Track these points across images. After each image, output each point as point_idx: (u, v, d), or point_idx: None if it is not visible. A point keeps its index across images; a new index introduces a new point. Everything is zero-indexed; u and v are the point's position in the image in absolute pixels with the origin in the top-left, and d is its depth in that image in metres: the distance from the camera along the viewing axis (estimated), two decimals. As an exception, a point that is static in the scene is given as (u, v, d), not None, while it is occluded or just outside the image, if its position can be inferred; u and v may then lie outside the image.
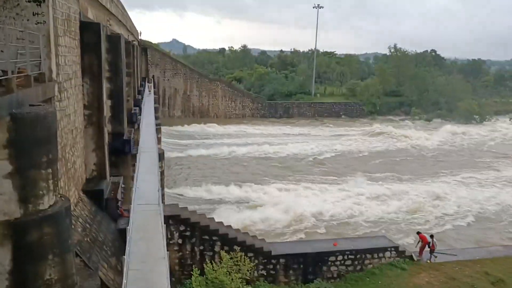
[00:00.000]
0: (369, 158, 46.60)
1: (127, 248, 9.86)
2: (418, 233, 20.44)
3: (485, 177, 40.07)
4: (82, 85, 13.27)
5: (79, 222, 11.25)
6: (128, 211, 13.00)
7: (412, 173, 40.31)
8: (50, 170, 7.33)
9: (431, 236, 19.71)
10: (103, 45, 13.87)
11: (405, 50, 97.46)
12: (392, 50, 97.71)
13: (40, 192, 7.15)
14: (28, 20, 8.89)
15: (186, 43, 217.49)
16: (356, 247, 17.92)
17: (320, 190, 33.66)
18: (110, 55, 20.97)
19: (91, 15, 16.40)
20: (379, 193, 32.71)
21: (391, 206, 30.16)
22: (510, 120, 77.94)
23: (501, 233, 27.39)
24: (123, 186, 15.69)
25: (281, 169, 40.86)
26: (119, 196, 14.14)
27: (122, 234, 12.65)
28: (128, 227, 10.86)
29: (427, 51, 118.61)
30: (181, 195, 32.12)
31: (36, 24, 8.95)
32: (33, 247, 6.97)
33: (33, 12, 8.92)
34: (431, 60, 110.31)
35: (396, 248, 18.53)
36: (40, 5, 8.98)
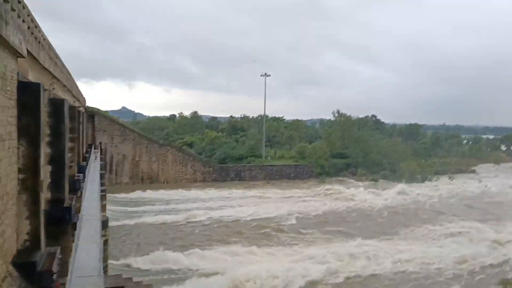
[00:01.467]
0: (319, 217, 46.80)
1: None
2: None
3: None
4: (18, 148, 12.39)
5: (5, 300, 9.92)
6: (65, 285, 11.74)
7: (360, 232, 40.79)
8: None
9: None
10: (43, 107, 13.25)
11: (348, 114, 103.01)
12: (336, 115, 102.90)
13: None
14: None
15: (136, 111, 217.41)
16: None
17: (273, 253, 32.85)
18: (53, 119, 20.19)
19: (32, 77, 15.87)
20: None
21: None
22: (449, 178, 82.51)
23: None
24: (60, 257, 14.30)
25: (230, 234, 39.79)
26: (54, 269, 12.78)
27: (56, 312, 11.26)
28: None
29: (368, 116, 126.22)
30: (129, 265, 30.11)
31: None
32: None
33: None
34: (372, 124, 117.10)
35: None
36: (-30, 61, 8.47)
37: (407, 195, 61.98)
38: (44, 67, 17.39)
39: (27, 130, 12.95)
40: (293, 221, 44.66)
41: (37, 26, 14.71)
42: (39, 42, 15.37)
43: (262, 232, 40.23)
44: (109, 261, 26.34)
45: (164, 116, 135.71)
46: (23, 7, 12.29)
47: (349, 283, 28.02)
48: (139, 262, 30.46)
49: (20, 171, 12.86)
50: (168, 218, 44.45)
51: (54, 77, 21.78)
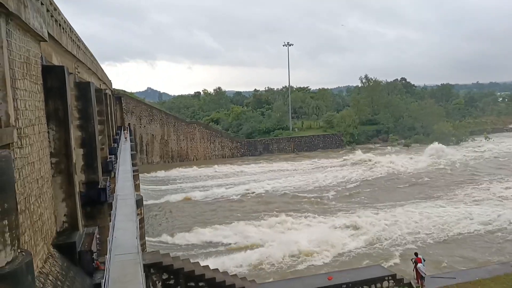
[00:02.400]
0: (356, 187, 46.28)
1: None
2: (416, 255, 19.69)
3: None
4: (48, 132, 12.50)
5: (49, 279, 10.18)
6: (105, 263, 11.97)
7: (404, 198, 40.14)
8: (6, 222, 6.50)
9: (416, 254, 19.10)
10: (69, 89, 13.26)
11: (376, 79, 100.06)
12: (364, 81, 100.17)
13: (-6, 247, 6.28)
14: (-20, 63, 8.26)
15: (161, 91, 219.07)
16: (352, 279, 17.08)
17: (312, 223, 32.88)
18: (80, 102, 20.41)
19: (56, 61, 15.90)
20: (371, 221, 32.16)
21: (384, 232, 29.57)
22: (485, 139, 79.71)
23: (492, 250, 26.95)
24: (98, 236, 14.63)
25: (268, 205, 39.91)
26: (94, 248, 13.07)
27: (98, 289, 11.55)
28: (103, 280, 9.87)
29: (397, 79, 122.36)
30: (165, 242, 30.76)
31: (-11, 67, 8.32)
32: (-13, 312, 6.05)
33: (-15, 55, 8.31)
34: (402, 87, 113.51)
35: (393, 276, 17.76)
36: (-7, 46, 8.38)
37: (441, 158, 60.24)
38: (67, 51, 17.38)
39: (56, 114, 13.02)
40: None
41: (56, 9, 14.56)
42: (60, 25, 15.27)
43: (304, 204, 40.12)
44: (147, 238, 26.98)
45: (189, 94, 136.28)
46: (40, -11, 12.11)
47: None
48: (180, 237, 31.05)
49: (52, 154, 13.03)
50: (201, 194, 44.96)
51: (78, 60, 21.83)
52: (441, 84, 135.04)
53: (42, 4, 12.14)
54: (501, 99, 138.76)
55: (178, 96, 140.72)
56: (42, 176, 11.34)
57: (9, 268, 6.42)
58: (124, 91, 74.78)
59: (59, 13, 15.22)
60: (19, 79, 9.74)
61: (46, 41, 12.23)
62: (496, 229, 30.48)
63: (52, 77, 12.40)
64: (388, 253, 26.68)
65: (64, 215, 13.01)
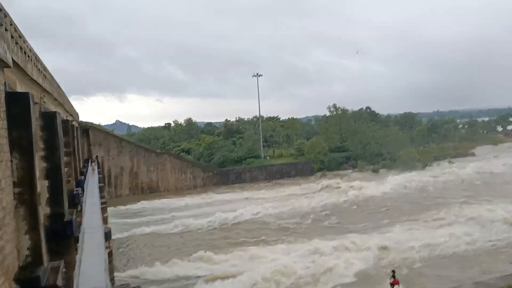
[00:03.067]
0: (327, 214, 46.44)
1: None
2: (393, 275, 19.63)
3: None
4: (11, 161, 11.96)
5: (9, 318, 9.50)
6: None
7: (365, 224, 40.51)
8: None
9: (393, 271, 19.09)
10: (33, 117, 12.83)
11: (344, 108, 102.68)
12: (332, 109, 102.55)
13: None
14: None
15: (130, 123, 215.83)
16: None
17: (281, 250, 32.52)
18: (46, 132, 19.77)
19: (21, 90, 15.44)
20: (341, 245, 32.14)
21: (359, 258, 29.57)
22: (449, 163, 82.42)
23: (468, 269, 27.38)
24: (64, 270, 13.87)
25: (236, 235, 39.34)
26: (59, 283, 12.34)
27: (64, 327, 10.84)
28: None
29: (362, 108, 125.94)
30: (135, 277, 29.59)
31: None
32: None
33: None
34: (367, 116, 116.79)
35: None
36: (-48, 70, 8.06)
37: (410, 183, 61.68)
38: (33, 79, 16.97)
39: (20, 143, 12.51)
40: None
41: (21, 36, 14.29)
42: (25, 52, 14.95)
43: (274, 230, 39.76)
44: (115, 273, 25.89)
45: (159, 126, 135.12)
46: (5, 15, 11.88)
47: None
48: (151, 271, 29.99)
49: (15, 184, 12.44)
50: (171, 226, 43.94)
51: (44, 90, 21.34)
52: (404, 112, 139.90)
53: (6, 30, 11.88)
54: (461, 125, 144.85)
55: (148, 128, 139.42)
56: (4, 207, 10.76)
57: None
58: (92, 123, 73.37)
59: (24, 41, 14.93)
60: (-20, 105, 9.36)
61: (10, 67, 11.91)
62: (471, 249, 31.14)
63: (16, 104, 11.99)
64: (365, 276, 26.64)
65: (27, 248, 12.28)
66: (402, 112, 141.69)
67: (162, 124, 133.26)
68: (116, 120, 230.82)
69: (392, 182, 61.25)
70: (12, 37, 12.71)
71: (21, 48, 14.16)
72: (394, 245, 32.06)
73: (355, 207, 48.95)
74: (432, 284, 24.89)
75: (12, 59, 12.50)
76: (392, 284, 18.86)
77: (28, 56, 15.69)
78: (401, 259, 29.62)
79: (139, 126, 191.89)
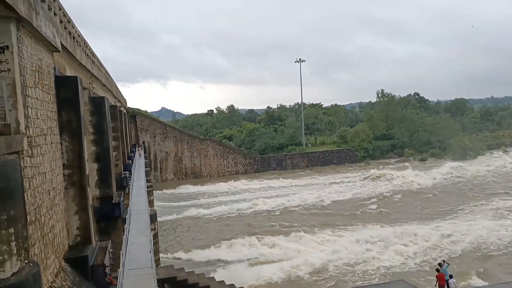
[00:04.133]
0: (373, 201, 45.32)
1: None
2: (437, 269, 18.78)
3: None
4: (61, 143, 12.29)
5: (60, 295, 9.81)
6: (118, 278, 11.55)
7: (421, 214, 39.13)
8: (12, 230, 6.18)
9: (440, 265, 18.22)
10: (82, 101, 13.11)
11: (391, 94, 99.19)
12: (380, 95, 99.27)
13: (0, 257, 5.95)
14: (-10, 69, 8.09)
15: (175, 110, 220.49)
16: (374, 295, 16.32)
17: (330, 239, 32.09)
18: (95, 117, 20.36)
19: (70, 74, 15.81)
20: (391, 236, 31.28)
21: (407, 248, 28.67)
22: (504, 152, 77.95)
23: None
24: (111, 251, 14.25)
25: (285, 222, 39.12)
26: (107, 262, 12.68)
27: (111, 305, 11.13)
28: (116, 295, 9.45)
29: (410, 94, 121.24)
30: (179, 258, 30.19)
31: None
32: (-9, 326, 5.68)
33: (-4, 60, 8.15)
34: (415, 102, 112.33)
35: (417, 292, 16.92)
36: (3, 52, 8.22)
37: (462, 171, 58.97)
38: (81, 64, 17.37)
39: (69, 125, 12.83)
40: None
41: (70, 21, 14.56)
42: (73, 38, 15.26)
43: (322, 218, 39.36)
44: (161, 255, 26.52)
45: (202, 113, 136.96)
46: (54, 0, 12.09)
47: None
48: (195, 254, 30.52)
49: (65, 166, 12.80)
50: (216, 210, 44.52)
51: (93, 75, 21.87)
52: (455, 98, 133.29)
53: (55, 14, 12.10)
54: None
55: (192, 115, 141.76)
56: (54, 188, 11.08)
57: (14, 279, 6.07)
58: (139, 109, 75.40)
59: (73, 26, 15.23)
60: (31, 87, 9.56)
61: (59, 51, 12.15)
62: None
63: (65, 88, 12.28)
64: (413, 268, 25.77)
65: (77, 228, 12.71)
66: (453, 98, 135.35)
67: (205, 111, 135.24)
68: (162, 107, 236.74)
69: (442, 171, 58.74)
70: (61, 21, 12.95)
71: (70, 33, 14.43)
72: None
73: (406, 197, 47.38)
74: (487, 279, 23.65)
75: (61, 44, 12.76)
76: (437, 279, 17.96)
77: (77, 42, 16.02)
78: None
79: (184, 113, 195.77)
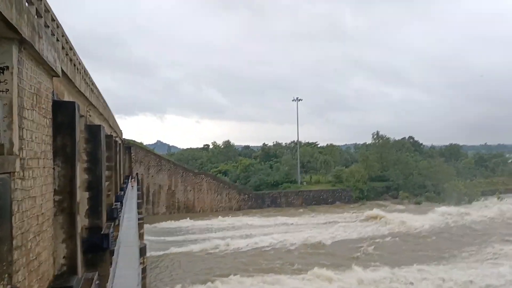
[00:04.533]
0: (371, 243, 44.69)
1: None
2: None
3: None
4: (53, 168, 12.06)
5: (39, 327, 9.30)
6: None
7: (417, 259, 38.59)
8: (-5, 252, 5.89)
9: None
10: (78, 125, 13.01)
11: (386, 136, 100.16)
12: (375, 137, 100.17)
13: (-21, 281, 5.64)
14: (-11, 88, 8.03)
15: (170, 144, 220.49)
16: None
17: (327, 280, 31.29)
18: (90, 145, 20.19)
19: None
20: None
21: None
22: (498, 199, 77.82)
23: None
24: (97, 282, 13.71)
25: (273, 261, 38.30)
26: (91, 294, 12.16)
27: None
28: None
29: (405, 138, 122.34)
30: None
31: (-3, 92, 8.09)
32: None
33: (-5, 80, 8.11)
34: (410, 146, 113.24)
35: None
36: (3, 72, 8.19)
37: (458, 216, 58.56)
38: (80, 92, 17.41)
39: (63, 150, 12.64)
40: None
41: (72, 48, 14.73)
42: (74, 65, 15.37)
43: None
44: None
45: (198, 148, 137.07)
46: (57, 26, 12.24)
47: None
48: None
49: (56, 192, 12.51)
50: (207, 246, 43.59)
51: (91, 103, 21.92)
52: (450, 144, 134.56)
53: (57, 40, 12.22)
54: (510, 160, 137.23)
55: (187, 148, 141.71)
56: (43, 213, 10.77)
57: (-6, 305, 5.74)
58: (134, 141, 75.31)
59: (74, 53, 15.39)
60: (28, 109, 9.48)
61: (59, 76, 12.16)
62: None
63: (63, 113, 12.19)
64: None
65: (63, 257, 12.23)
66: (446, 144, 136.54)
67: (201, 145, 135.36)
68: (157, 140, 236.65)
69: (438, 215, 58.37)
70: (62, 48, 13.08)
71: (70, 60, 14.55)
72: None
73: (399, 239, 46.75)
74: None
75: (62, 70, 12.81)
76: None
77: (77, 69, 16.13)
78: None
79: (179, 147, 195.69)
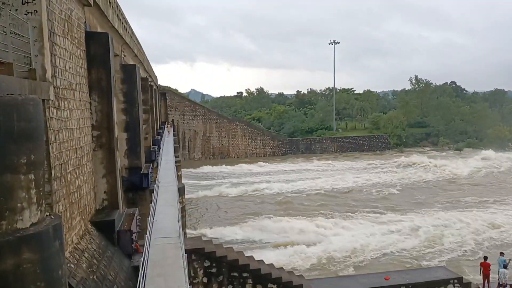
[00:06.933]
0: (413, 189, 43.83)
1: (140, 286, 7.86)
2: (485, 257, 17.58)
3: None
4: (90, 103, 11.76)
5: (84, 256, 9.37)
6: (144, 245, 11.06)
7: (466, 201, 37.67)
8: (32, 176, 5.57)
9: (483, 259, 16.92)
10: (112, 57, 12.52)
11: (427, 80, 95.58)
12: (414, 82, 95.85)
13: (18, 204, 5.37)
14: (16, 10, 7.49)
15: (204, 92, 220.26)
16: (412, 280, 15.31)
17: (367, 222, 31.13)
18: (125, 85, 19.91)
19: (102, 35, 15.22)
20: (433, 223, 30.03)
21: (446, 237, 27.42)
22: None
23: None
24: (138, 218, 13.81)
25: (319, 204, 38.24)
26: (133, 228, 12.23)
27: (137, 273, 10.65)
28: (142, 262, 8.90)
29: (446, 83, 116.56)
30: (205, 235, 29.90)
31: (25, 14, 7.54)
32: (8, 279, 5.12)
33: (22, 1, 7.54)
34: (451, 91, 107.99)
35: (459, 279, 15.77)
36: (30, -9, 7.59)
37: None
38: (114, 28, 16.69)
39: (98, 84, 12.25)
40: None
41: (102, -22, 13.94)
42: (106, -3, 14.67)
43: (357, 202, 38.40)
44: (187, 231, 26.23)
45: (231, 96, 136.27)
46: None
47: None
48: (221, 231, 30.19)
49: (93, 127, 12.30)
50: (245, 190, 44.11)
51: (125, 42, 21.34)
52: (494, 89, 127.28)
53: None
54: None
55: (221, 96, 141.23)
56: (81, 147, 10.60)
57: (34, 230, 5.49)
58: (169, 87, 75.39)
59: (106, -16, 14.59)
60: (59, 36, 8.96)
61: (91, 5, 11.53)
62: None
63: (96, 44, 11.69)
64: (453, 256, 24.60)
65: (104, 192, 12.27)
66: (490, 89, 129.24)
67: (234, 94, 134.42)
68: (191, 89, 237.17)
69: (480, 161, 56.36)
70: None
71: (102, -10, 13.83)
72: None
73: (443, 185, 45.67)
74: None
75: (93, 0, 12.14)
76: (481, 267, 16.87)
77: (109, 2, 15.43)
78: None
79: (212, 95, 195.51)
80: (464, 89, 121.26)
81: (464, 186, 44.40)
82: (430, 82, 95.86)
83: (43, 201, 5.93)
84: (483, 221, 30.47)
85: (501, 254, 17.59)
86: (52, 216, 6.15)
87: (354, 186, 45.03)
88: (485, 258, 17.50)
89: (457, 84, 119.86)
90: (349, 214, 33.93)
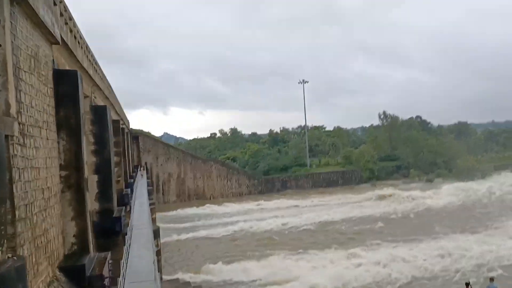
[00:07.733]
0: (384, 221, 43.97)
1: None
2: (467, 284, 17.38)
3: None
4: (58, 142, 11.32)
5: (52, 306, 8.66)
6: (117, 291, 10.40)
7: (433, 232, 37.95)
8: (-9, 213, 5.16)
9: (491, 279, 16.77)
10: (82, 96, 12.22)
11: (394, 115, 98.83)
12: (382, 116, 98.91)
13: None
14: (-21, 43, 7.24)
15: (177, 135, 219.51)
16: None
17: (343, 258, 30.73)
18: (96, 126, 19.47)
19: (71, 76, 14.95)
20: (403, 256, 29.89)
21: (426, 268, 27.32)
22: (512, 172, 76.59)
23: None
24: (111, 262, 13.06)
25: (293, 241, 37.73)
26: (105, 273, 11.50)
27: (110, 321, 9.93)
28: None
29: (412, 117, 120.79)
30: (183, 280, 28.71)
31: (-12, 48, 7.29)
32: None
33: (-15, 34, 7.31)
34: (418, 125, 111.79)
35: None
36: (-7, 25, 7.37)
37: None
38: (83, 68, 16.52)
39: (67, 123, 11.80)
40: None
41: (71, 18, 13.85)
42: (74, 37, 14.50)
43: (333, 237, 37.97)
44: (163, 276, 25.14)
45: (205, 137, 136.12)
46: (53, -11, 11.35)
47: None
48: (199, 275, 29.04)
49: (61, 167, 11.78)
50: (219, 231, 43.17)
51: (95, 84, 21.07)
52: (458, 122, 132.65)
53: (55, 4, 11.36)
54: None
55: (194, 138, 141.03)
56: (49, 188, 10.05)
57: (-7, 272, 5.01)
58: (142, 130, 74.72)
59: (75, 25, 14.51)
60: (25, 71, 8.69)
61: (59, 43, 11.34)
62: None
63: (64, 82, 11.40)
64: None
65: (73, 235, 11.54)
66: (453, 122, 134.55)
67: (207, 136, 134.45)
68: (164, 132, 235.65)
69: (452, 192, 57.52)
70: (61, 15, 12.22)
71: (70, 30, 13.69)
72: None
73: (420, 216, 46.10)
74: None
75: (62, 38, 11.97)
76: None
77: (78, 42, 15.28)
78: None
79: (186, 138, 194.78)
80: (429, 122, 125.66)
81: (437, 216, 44.99)
82: (397, 116, 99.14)
83: (5, 241, 5.47)
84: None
85: (491, 280, 17.47)
86: (15, 258, 5.68)
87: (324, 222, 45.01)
88: (467, 284, 17.35)
89: (423, 118, 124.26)
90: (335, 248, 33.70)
